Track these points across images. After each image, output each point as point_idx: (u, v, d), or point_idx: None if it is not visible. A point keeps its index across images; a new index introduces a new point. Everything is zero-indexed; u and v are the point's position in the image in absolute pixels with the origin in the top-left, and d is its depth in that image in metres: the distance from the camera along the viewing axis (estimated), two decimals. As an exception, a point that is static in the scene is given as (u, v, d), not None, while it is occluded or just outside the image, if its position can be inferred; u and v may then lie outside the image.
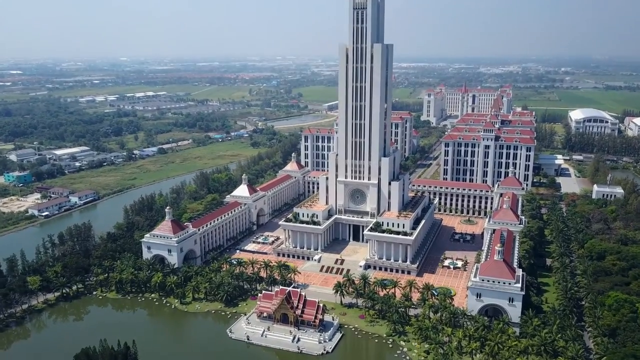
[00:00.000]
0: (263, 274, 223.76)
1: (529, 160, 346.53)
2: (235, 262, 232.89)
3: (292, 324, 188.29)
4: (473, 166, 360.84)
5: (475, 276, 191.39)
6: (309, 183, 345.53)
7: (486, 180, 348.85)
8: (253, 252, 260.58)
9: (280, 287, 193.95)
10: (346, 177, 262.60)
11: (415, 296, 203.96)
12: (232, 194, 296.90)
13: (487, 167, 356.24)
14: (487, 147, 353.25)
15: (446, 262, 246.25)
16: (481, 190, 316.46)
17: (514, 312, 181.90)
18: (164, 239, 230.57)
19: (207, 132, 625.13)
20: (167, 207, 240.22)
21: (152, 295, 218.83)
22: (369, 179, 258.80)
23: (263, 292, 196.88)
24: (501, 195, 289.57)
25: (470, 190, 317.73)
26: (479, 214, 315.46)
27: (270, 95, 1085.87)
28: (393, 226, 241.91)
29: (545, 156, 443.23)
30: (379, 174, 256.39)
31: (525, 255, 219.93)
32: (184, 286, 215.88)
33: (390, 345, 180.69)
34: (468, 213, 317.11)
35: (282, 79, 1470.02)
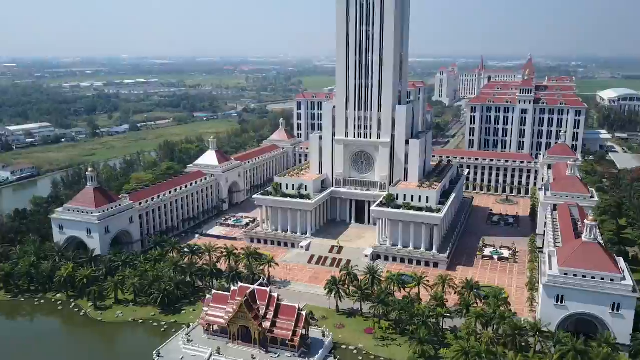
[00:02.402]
0: (224, 265, 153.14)
1: (578, 127, 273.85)
2: (187, 250, 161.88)
3: (256, 343, 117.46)
4: (506, 136, 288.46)
5: (550, 268, 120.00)
6: (300, 155, 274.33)
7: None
8: (218, 237, 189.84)
9: (240, 284, 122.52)
10: (347, 136, 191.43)
11: (451, 300, 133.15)
12: (196, 162, 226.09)
13: (523, 137, 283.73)
14: (524, 111, 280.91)
15: (487, 251, 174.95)
16: (522, 162, 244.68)
17: (622, 326, 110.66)
18: (81, 215, 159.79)
19: (192, 112, 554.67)
20: (90, 170, 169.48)
21: (58, 295, 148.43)
22: (379, 136, 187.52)
23: (213, 292, 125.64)
24: (549, 167, 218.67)
25: (507, 161, 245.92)
26: (519, 192, 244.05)
27: (267, 82, 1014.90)
28: (412, 200, 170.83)
29: (588, 131, 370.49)
30: (393, 129, 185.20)
31: (613, 238, 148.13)
32: (103, 282, 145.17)
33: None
34: (504, 191, 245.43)
35: (282, 70, 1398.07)
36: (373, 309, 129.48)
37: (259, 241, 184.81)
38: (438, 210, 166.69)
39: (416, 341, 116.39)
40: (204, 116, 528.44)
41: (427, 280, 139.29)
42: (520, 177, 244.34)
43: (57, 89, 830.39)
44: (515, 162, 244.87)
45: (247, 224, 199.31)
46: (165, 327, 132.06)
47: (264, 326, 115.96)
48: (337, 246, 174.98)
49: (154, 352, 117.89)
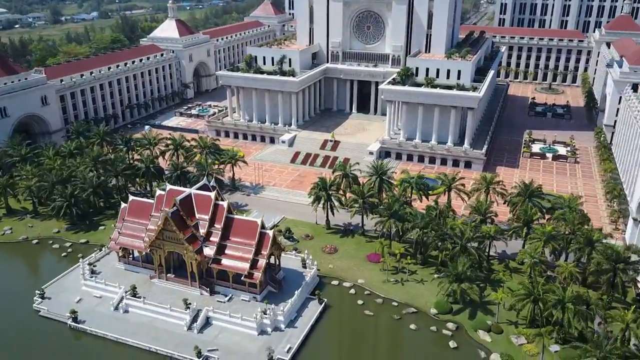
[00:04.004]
0: (168, 163, 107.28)
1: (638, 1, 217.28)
2: (119, 142, 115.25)
3: (194, 277, 73.88)
4: (545, 14, 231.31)
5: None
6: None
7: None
8: (175, 129, 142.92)
9: (169, 187, 76.87)
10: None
11: (500, 213, 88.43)
12: (151, 34, 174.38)
13: (567, 15, 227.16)
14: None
15: (535, 148, 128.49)
16: (570, 40, 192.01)
17: None
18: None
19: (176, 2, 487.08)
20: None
21: None
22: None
23: (130, 199, 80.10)
24: (609, 44, 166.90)
25: (552, 40, 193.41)
26: (564, 80, 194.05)
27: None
28: (438, 75, 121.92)
29: None
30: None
31: None
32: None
33: (454, 346, 66.68)
34: (545, 78, 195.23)
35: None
36: (381, 225, 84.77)
37: (227, 134, 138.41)
38: (474, 89, 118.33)
39: (450, 276, 72.52)
40: (187, 5, 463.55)
41: (462, 185, 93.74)
42: (567, 60, 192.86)
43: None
44: (562, 40, 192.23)
45: (214, 114, 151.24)
46: (70, 250, 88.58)
47: (205, 253, 71.84)
48: (331, 140, 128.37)
49: (37, 292, 74.79)
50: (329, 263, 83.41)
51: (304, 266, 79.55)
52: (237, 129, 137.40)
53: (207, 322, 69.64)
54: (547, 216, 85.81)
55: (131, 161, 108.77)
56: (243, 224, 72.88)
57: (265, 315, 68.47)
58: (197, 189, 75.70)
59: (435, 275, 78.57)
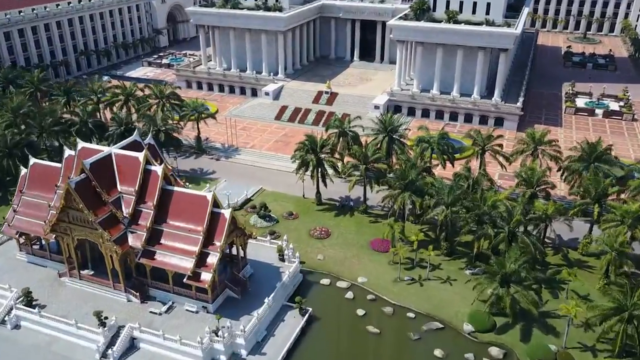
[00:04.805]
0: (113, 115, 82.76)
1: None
2: (58, 92, 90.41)
3: (117, 279, 50.37)
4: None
5: None
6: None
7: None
8: (139, 80, 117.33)
9: (81, 145, 53.03)
10: None
11: (556, 185, 64.23)
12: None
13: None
14: None
15: (580, 103, 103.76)
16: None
17: None
18: None
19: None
20: None
21: None
22: None
23: (32, 163, 56.18)
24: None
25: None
26: (599, 29, 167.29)
27: None
28: (461, 10, 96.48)
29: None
30: None
31: None
32: None
33: (506, 390, 43.68)
34: (578, 27, 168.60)
35: None
36: (391, 200, 60.92)
37: (199, 86, 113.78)
38: (508, 26, 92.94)
39: (495, 276, 48.98)
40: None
41: (499, 145, 69.56)
42: (605, 5, 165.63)
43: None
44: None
45: (189, 64, 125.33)
46: (-34, 232, 65.27)
47: (130, 243, 48.33)
48: (326, 92, 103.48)
49: None
50: (318, 252, 60.15)
51: (282, 259, 56.17)
52: (212, 79, 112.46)
53: (132, 346, 46.78)
54: (620, 188, 62.04)
55: (70, 115, 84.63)
56: (187, 200, 49.13)
57: (216, 338, 45.36)
58: (124, 147, 51.68)
59: (468, 272, 55.63)
